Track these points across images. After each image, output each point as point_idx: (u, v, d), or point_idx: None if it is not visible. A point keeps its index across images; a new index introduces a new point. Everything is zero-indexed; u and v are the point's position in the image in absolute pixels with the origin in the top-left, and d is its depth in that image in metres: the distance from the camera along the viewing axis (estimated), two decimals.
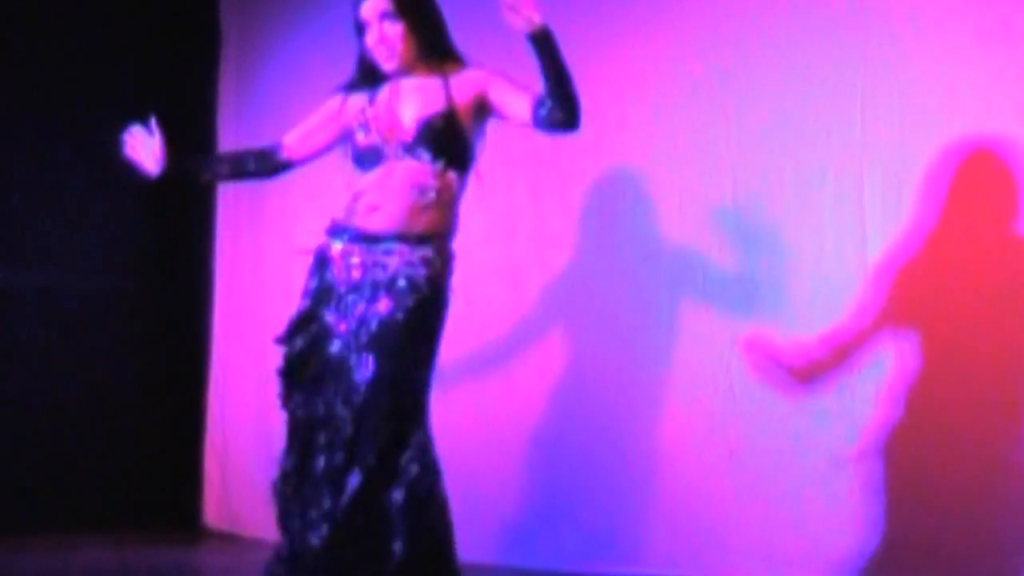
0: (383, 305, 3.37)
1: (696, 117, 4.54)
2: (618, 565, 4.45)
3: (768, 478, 4.26)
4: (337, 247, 3.46)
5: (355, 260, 3.43)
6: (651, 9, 4.72)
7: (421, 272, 3.40)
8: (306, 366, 3.47)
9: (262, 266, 5.97)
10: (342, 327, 3.41)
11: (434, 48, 3.49)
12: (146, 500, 5.94)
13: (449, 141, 3.42)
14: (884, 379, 4.06)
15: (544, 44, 3.19)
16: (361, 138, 3.48)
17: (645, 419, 4.57)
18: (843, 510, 4.09)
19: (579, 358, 4.78)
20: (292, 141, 3.72)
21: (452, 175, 3.44)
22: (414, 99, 3.45)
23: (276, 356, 5.74)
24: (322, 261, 3.50)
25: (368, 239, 3.42)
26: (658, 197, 4.61)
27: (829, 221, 4.23)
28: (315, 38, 5.53)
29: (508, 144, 4.71)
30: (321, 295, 3.47)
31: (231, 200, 6.11)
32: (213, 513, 6.10)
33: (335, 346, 3.42)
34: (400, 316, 3.36)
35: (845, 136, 4.20)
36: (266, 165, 3.75)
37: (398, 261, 3.40)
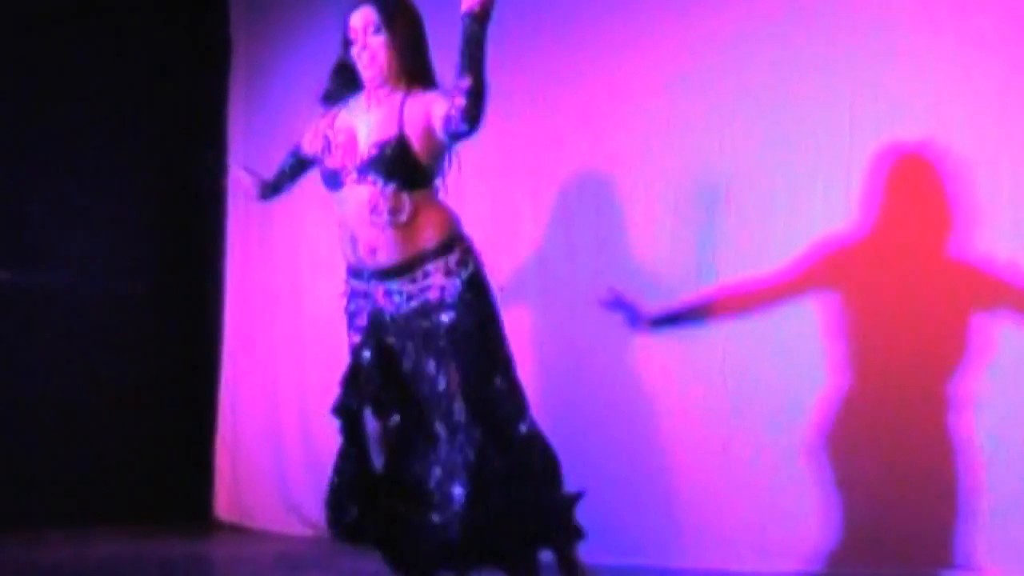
0: (445, 316, 3.57)
1: (689, 120, 4.65)
2: (611, 555, 4.51)
3: (755, 470, 4.40)
4: (377, 287, 3.64)
5: (398, 292, 3.62)
6: (645, 15, 4.82)
7: (462, 276, 3.59)
8: (383, 386, 3.65)
9: (271, 267, 6.07)
10: (408, 345, 3.62)
11: (411, 66, 3.65)
12: (159, 493, 6.04)
13: (399, 166, 3.56)
14: (860, 371, 4.23)
15: (480, 24, 3.39)
16: (327, 161, 3.68)
17: (638, 413, 4.69)
18: (821, 501, 4.26)
19: (573, 353, 4.89)
20: (306, 145, 3.90)
21: (405, 196, 3.57)
22: (371, 124, 3.63)
23: (285, 353, 5.86)
24: (364, 295, 3.69)
25: (398, 271, 3.61)
26: (652, 198, 4.72)
27: (819, 224, 4.33)
28: (323, 48, 5.58)
29: (511, 144, 4.87)
30: (376, 327, 3.66)
31: (241, 203, 6.20)
32: (224, 505, 6.20)
33: (406, 365, 3.63)
34: (466, 321, 3.58)
35: (835, 142, 4.31)
36: (302, 168, 4.00)
37: (440, 276, 3.59)
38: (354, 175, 3.60)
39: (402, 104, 3.61)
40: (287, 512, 5.75)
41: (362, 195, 3.57)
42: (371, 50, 3.62)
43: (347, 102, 3.73)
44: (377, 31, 3.62)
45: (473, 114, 3.42)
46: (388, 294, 3.62)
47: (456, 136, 3.52)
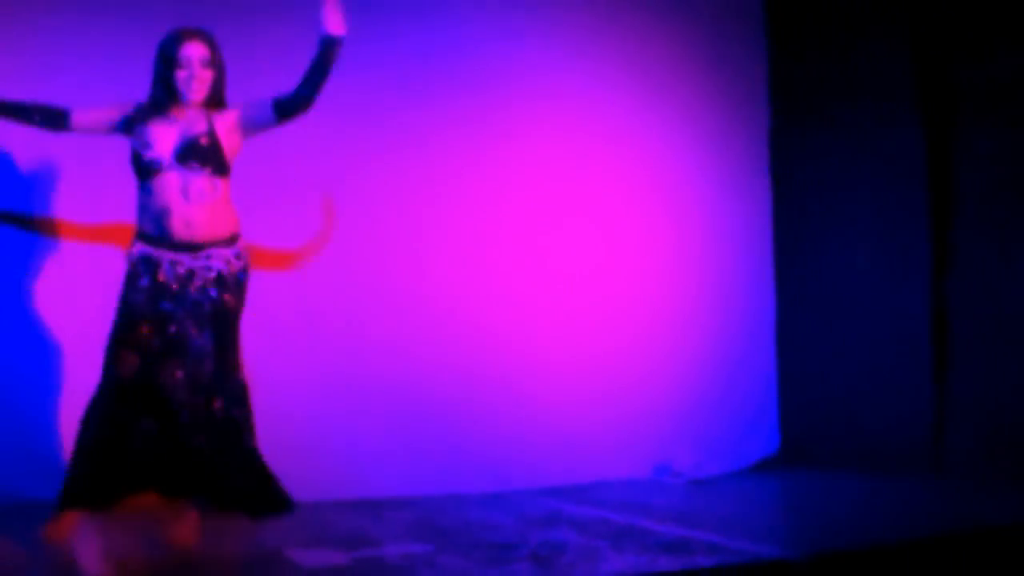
0: (213, 292, 4.20)
1: None
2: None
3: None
4: (165, 255, 4.20)
5: (183, 265, 4.19)
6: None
7: (237, 266, 4.26)
8: (148, 345, 4.18)
9: None
10: (179, 312, 4.18)
11: (217, 96, 4.29)
12: None
13: (209, 154, 4.20)
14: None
15: (336, 46, 4.16)
16: (145, 154, 4.19)
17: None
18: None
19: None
20: (81, 118, 4.29)
21: (218, 181, 4.21)
22: (185, 125, 4.22)
23: None
24: (149, 263, 4.21)
25: (190, 247, 4.20)
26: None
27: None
28: None
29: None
30: (156, 291, 4.19)
31: None
32: None
33: (172, 328, 4.17)
34: (228, 300, 4.23)
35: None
36: (51, 123, 4.29)
37: (218, 262, 4.22)
38: (172, 163, 4.17)
39: (208, 113, 4.25)
40: None
41: (178, 179, 4.17)
42: (200, 80, 4.22)
43: (159, 116, 4.23)
44: (207, 66, 4.22)
45: (306, 95, 4.18)
46: (173, 264, 4.18)
47: (281, 110, 4.21)
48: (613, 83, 6.16)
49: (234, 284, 4.23)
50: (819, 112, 6.41)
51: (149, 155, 4.17)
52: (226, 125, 4.25)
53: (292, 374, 5.32)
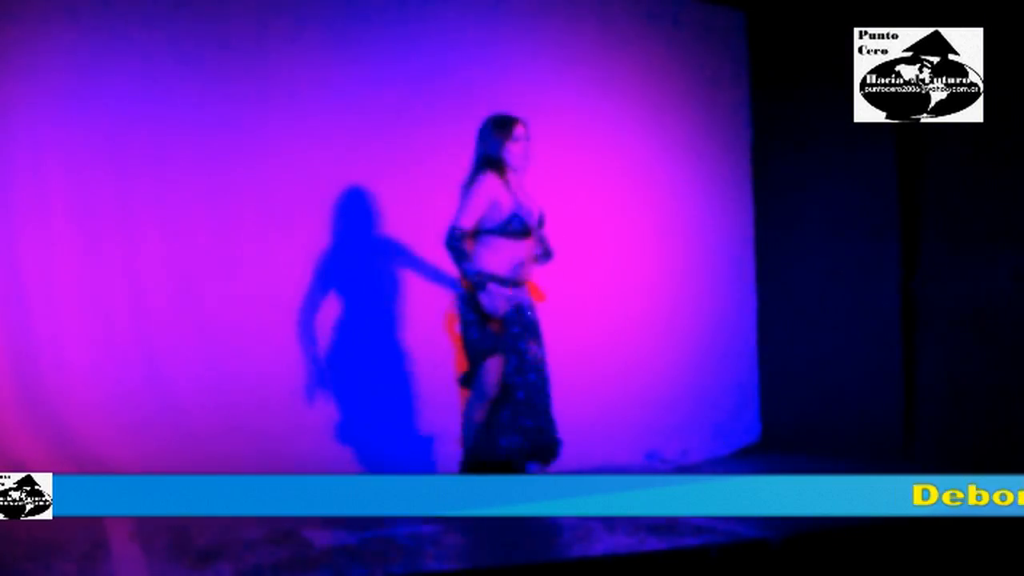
0: (534, 315, 5.00)
1: None
2: None
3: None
4: (520, 291, 4.94)
5: (525, 295, 4.96)
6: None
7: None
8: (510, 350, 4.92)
9: None
10: (527, 333, 4.91)
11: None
12: None
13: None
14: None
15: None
16: (526, 217, 4.89)
17: None
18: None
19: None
20: (468, 222, 4.91)
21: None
22: (524, 195, 4.94)
23: None
24: (508, 300, 4.90)
25: (520, 285, 4.99)
26: None
27: None
28: None
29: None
30: (514, 319, 4.93)
31: None
32: None
33: (525, 340, 4.91)
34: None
35: None
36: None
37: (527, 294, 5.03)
38: (535, 230, 4.95)
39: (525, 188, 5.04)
40: None
41: (533, 243, 4.98)
42: (528, 151, 4.94)
43: (496, 179, 4.85)
44: (529, 139, 4.94)
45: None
46: (519, 296, 4.91)
47: None
48: (614, 104, 6.37)
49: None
50: (797, 128, 6.59)
51: (529, 221, 4.84)
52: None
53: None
